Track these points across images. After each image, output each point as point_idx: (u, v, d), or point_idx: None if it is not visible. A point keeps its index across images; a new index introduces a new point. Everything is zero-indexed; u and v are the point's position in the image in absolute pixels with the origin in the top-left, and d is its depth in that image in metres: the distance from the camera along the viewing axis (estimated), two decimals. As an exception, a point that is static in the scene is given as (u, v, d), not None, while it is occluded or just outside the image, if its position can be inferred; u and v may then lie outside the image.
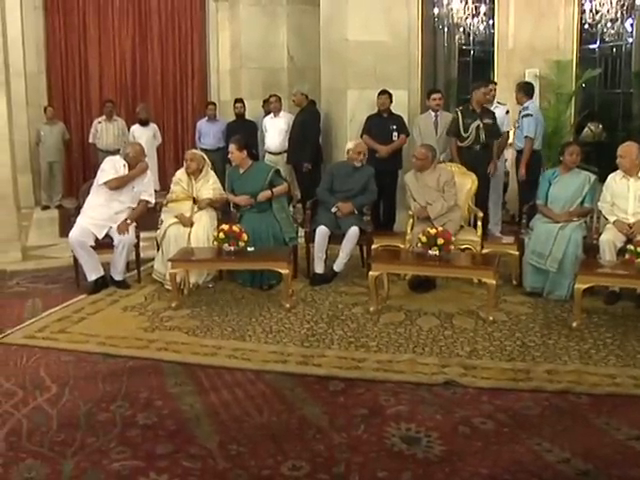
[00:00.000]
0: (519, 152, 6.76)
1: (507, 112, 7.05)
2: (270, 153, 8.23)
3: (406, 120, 7.12)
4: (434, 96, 6.91)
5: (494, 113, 6.67)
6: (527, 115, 6.60)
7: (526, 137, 6.60)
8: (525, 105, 6.69)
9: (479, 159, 6.38)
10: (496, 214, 7.09)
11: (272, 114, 8.32)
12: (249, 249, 4.98)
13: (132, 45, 10.28)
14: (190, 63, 10.56)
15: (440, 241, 4.61)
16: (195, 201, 5.60)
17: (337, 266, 5.63)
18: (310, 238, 5.65)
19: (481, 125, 6.45)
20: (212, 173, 5.79)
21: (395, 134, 7.00)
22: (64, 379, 3.64)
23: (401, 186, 6.48)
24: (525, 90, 6.79)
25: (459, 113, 6.58)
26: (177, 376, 3.70)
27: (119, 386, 3.56)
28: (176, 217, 5.46)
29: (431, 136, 6.81)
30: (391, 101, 7.02)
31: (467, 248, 5.37)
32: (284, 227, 5.56)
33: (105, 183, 5.44)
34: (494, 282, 4.48)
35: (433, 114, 6.99)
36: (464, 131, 6.51)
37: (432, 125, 6.96)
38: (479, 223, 5.50)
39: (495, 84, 7.24)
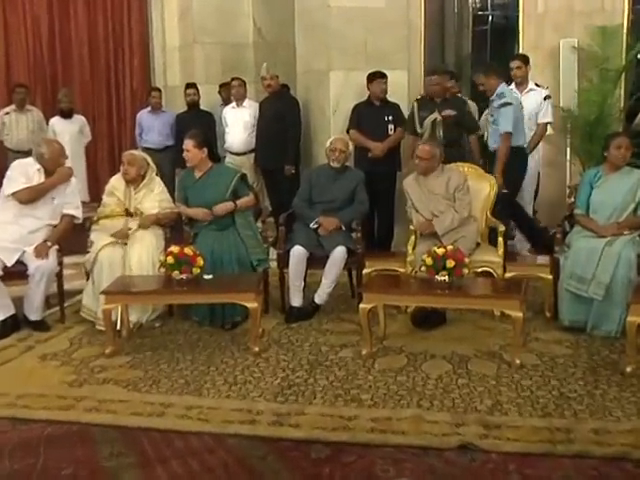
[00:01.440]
0: (494, 153, 6.60)
1: (546, 97, 7.18)
2: (232, 154, 8.31)
3: (405, 109, 7.24)
4: (432, 79, 6.99)
5: (463, 103, 6.84)
6: (505, 104, 6.52)
7: (504, 133, 6.49)
8: (499, 91, 6.61)
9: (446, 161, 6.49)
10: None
11: (234, 103, 8.40)
12: (206, 277, 5.01)
13: (49, 11, 10.18)
14: (127, 36, 10.58)
15: (450, 263, 4.65)
16: (132, 215, 5.64)
17: (319, 297, 5.70)
18: (284, 262, 5.71)
19: (438, 118, 6.64)
20: (158, 180, 5.85)
21: (391, 127, 7.12)
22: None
23: (400, 193, 6.56)
24: (497, 72, 6.74)
25: (415, 104, 6.81)
26: (112, 444, 3.68)
27: (33, 461, 3.51)
28: (112, 236, 5.50)
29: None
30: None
31: (486, 271, 5.45)
32: (251, 248, 5.61)
33: (13, 195, 5.45)
34: (521, 315, 4.52)
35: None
36: (419, 126, 6.73)
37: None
38: (500, 239, 5.59)
39: (525, 60, 7.32)
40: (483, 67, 6.85)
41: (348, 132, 7.08)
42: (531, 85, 7.20)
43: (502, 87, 6.63)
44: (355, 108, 7.17)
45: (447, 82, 6.98)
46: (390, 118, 7.11)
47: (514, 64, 7.13)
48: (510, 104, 6.50)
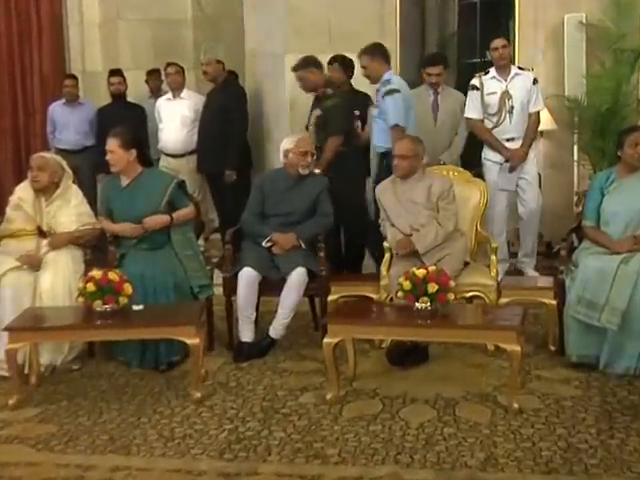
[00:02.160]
0: (383, 155, 6.62)
1: (535, 82, 7.30)
2: (168, 156, 8.36)
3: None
4: (430, 70, 7.16)
5: (335, 99, 6.94)
6: (391, 92, 6.60)
7: (394, 126, 6.56)
8: (386, 78, 6.71)
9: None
10: (528, 240, 7.32)
11: (170, 94, 8.42)
12: (136, 308, 5.02)
13: None
14: (34, 10, 10.49)
15: (433, 287, 4.67)
16: (46, 235, 5.63)
17: (275, 330, 5.73)
18: (232, 287, 5.74)
19: (317, 114, 6.90)
20: (75, 189, 5.86)
21: (358, 123, 7.22)
22: None
23: (372, 203, 6.61)
24: (383, 55, 6.80)
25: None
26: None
27: None
28: (17, 260, 5.47)
29: (427, 126, 7.08)
30: (349, 72, 7.24)
31: (476, 297, 5.53)
32: (191, 271, 5.65)
33: None
34: (519, 349, 4.53)
35: (431, 91, 7.26)
36: (308, 124, 6.99)
37: (429, 108, 7.27)
38: (493, 257, 5.68)
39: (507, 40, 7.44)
40: (369, 47, 6.82)
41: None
42: (515, 69, 7.29)
43: (389, 74, 6.73)
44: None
45: (312, 73, 7.06)
46: (357, 113, 7.20)
47: (499, 43, 7.18)
48: (397, 91, 6.58)
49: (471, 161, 7.25)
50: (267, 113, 7.79)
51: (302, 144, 6.02)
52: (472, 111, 7.22)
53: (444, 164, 6.72)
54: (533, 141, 7.30)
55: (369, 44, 6.76)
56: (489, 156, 7.22)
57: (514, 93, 7.09)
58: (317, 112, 6.96)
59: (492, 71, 7.23)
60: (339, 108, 6.93)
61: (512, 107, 7.06)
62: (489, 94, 7.13)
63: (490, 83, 7.16)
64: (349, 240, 7.19)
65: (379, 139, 6.67)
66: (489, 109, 7.15)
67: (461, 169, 6.35)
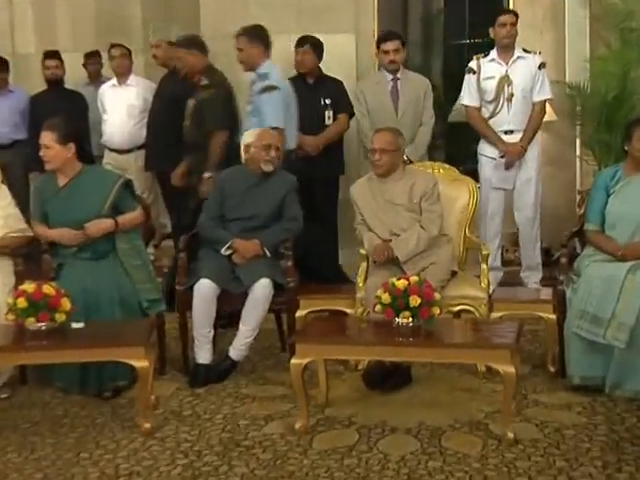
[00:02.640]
0: None
1: (541, 66, 7.31)
2: (113, 151, 8.38)
3: (350, 88, 7.40)
4: (385, 46, 7.18)
5: (211, 90, 6.96)
6: (268, 88, 6.69)
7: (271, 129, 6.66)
8: (263, 70, 6.80)
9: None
10: (528, 251, 7.36)
11: (114, 80, 8.39)
12: (75, 326, 4.99)
13: None
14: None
15: (415, 301, 4.65)
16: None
17: (236, 351, 5.74)
18: (187, 302, 5.75)
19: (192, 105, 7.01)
20: (4, 189, 5.85)
21: (329, 114, 7.27)
22: None
23: (345, 205, 6.65)
24: (263, 41, 6.86)
25: None
26: None
27: None
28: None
29: (387, 117, 7.12)
30: (319, 56, 7.29)
31: (465, 311, 5.57)
32: (140, 284, 5.65)
33: None
34: (514, 370, 4.51)
35: (389, 77, 7.28)
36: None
37: (387, 96, 7.28)
38: (484, 266, 5.73)
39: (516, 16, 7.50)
40: (249, 29, 6.86)
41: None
42: (518, 51, 7.30)
43: (269, 65, 6.79)
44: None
45: (193, 56, 7.12)
46: (328, 101, 7.26)
47: (508, 19, 7.20)
48: (276, 88, 6.65)
49: (459, 156, 7.29)
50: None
51: (265, 136, 6.05)
52: (467, 97, 7.29)
53: (410, 161, 6.69)
54: (534, 135, 7.29)
55: (249, 25, 6.83)
56: (485, 150, 7.29)
57: (515, 78, 7.14)
58: (192, 102, 6.98)
59: (493, 52, 7.29)
60: (216, 101, 6.92)
61: (512, 94, 7.12)
62: (486, 79, 7.20)
63: (488, 66, 7.23)
64: (320, 247, 7.22)
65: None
66: (485, 96, 7.22)
67: (447, 165, 6.39)
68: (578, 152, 8.10)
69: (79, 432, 4.94)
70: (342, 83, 7.36)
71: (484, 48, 7.35)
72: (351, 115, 7.37)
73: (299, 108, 7.06)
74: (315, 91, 7.27)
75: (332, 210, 7.36)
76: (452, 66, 7.87)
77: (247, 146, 6.06)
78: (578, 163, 8.11)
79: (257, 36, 6.78)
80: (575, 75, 7.94)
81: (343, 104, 7.29)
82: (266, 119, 6.53)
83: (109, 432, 4.92)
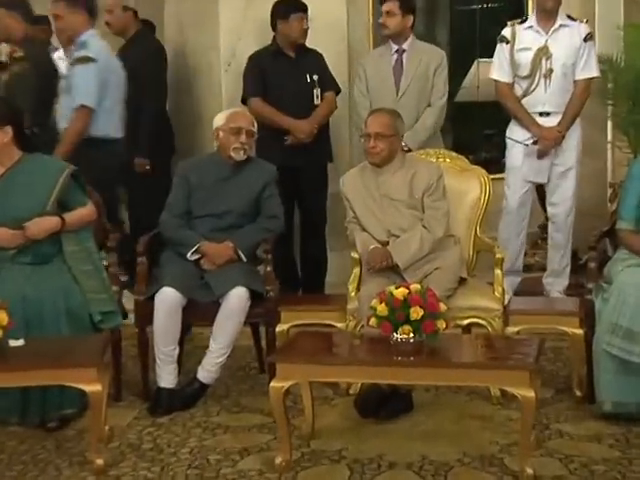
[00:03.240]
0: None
1: (587, 37, 7.26)
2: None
3: (340, 62, 7.45)
4: (383, 7, 7.19)
5: (23, 64, 6.99)
6: (84, 59, 6.70)
7: (80, 108, 6.67)
8: (82, 39, 6.81)
9: None
10: (557, 254, 7.37)
11: (61, 51, 8.34)
12: (14, 343, 4.95)
13: None
14: None
15: (417, 313, 4.60)
16: None
17: (205, 372, 5.74)
18: (147, 315, 5.75)
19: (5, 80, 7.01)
20: None
21: (317, 92, 7.29)
22: None
23: (336, 200, 6.67)
24: (87, 7, 6.85)
25: None
26: None
27: None
28: None
29: (386, 96, 7.11)
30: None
31: (475, 324, 5.58)
32: (91, 293, 5.62)
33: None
34: (533, 394, 4.45)
35: (393, 48, 7.29)
36: None
37: (390, 72, 7.27)
38: (498, 272, 5.73)
39: None
40: None
41: (245, 102, 7.22)
42: (562, 19, 7.25)
43: (91, 35, 6.80)
44: (256, 61, 7.29)
45: (13, 19, 7.10)
46: (315, 77, 7.29)
47: None
48: (92, 60, 6.64)
49: (468, 142, 7.29)
50: (197, 79, 7.79)
51: (234, 118, 6.07)
52: (498, 71, 7.29)
53: (408, 150, 6.65)
54: (575, 119, 7.26)
55: None
56: (515, 133, 7.29)
57: (555, 51, 7.12)
58: (5, 77, 6.98)
59: (531, 19, 7.30)
60: (26, 78, 6.89)
61: (550, 70, 7.09)
62: (521, 50, 7.18)
63: (525, 35, 7.21)
64: (306, 249, 7.24)
65: (63, 117, 6.80)
66: (519, 70, 7.20)
67: (454, 153, 6.40)
68: (610, 137, 8.11)
69: (17, 470, 4.87)
70: (322, 56, 7.39)
71: (498, 14, 7.33)
72: (336, 92, 7.41)
73: (284, 89, 7.12)
74: (298, 66, 7.30)
75: (319, 204, 7.37)
76: (460, 36, 7.85)
77: (217, 130, 6.06)
78: (609, 150, 8.12)
79: (80, 1, 6.80)
80: (606, 46, 7.93)
81: (328, 80, 7.34)
82: (76, 96, 6.55)
83: (54, 470, 4.87)
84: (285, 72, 7.20)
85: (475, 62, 9.18)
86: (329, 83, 7.35)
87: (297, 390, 5.03)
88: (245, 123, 6.05)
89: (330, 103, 7.36)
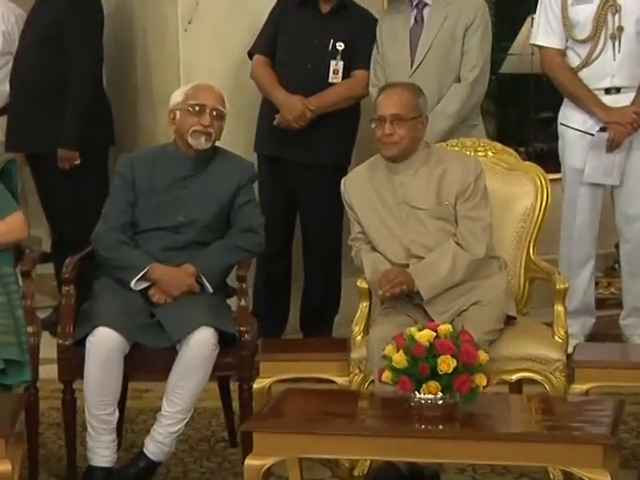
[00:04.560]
0: None
1: None
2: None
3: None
4: None
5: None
6: None
7: None
8: None
9: None
10: (637, 285, 7.41)
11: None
12: None
13: None
14: None
15: (447, 364, 4.66)
16: None
17: (156, 445, 5.68)
18: (74, 366, 5.72)
19: None
20: None
21: (335, 65, 7.30)
22: None
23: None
24: None
25: None
26: None
27: None
28: None
29: (399, 67, 7.26)
30: None
31: (528, 380, 5.62)
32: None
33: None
34: (609, 478, 4.43)
35: (412, 10, 7.20)
36: None
37: (406, 35, 7.27)
38: (559, 308, 5.72)
39: None
40: None
41: (251, 57, 7.55)
42: None
43: None
44: (276, 8, 7.61)
45: None
46: (340, 46, 7.29)
47: None
48: None
49: (520, 131, 7.32)
50: (145, 41, 7.86)
51: (197, 94, 6.01)
52: (544, 34, 7.25)
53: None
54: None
55: None
56: (571, 119, 7.23)
57: (627, 3, 7.03)
58: None
59: None
60: None
61: (620, 28, 6.99)
62: (578, 2, 7.07)
63: None
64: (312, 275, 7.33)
65: None
66: (576, 31, 7.13)
67: (499, 145, 6.40)
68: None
69: None
70: (372, 19, 7.42)
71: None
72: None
73: (296, 53, 7.28)
74: (327, 28, 7.36)
75: (338, 219, 7.40)
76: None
77: (172, 111, 6.00)
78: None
79: None
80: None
81: (362, 54, 7.32)
82: None
83: None
84: (302, 31, 7.34)
85: (528, 18, 9.24)
86: (362, 59, 7.34)
87: (282, 470, 5.06)
88: (211, 100, 5.94)
89: (353, 85, 7.36)
